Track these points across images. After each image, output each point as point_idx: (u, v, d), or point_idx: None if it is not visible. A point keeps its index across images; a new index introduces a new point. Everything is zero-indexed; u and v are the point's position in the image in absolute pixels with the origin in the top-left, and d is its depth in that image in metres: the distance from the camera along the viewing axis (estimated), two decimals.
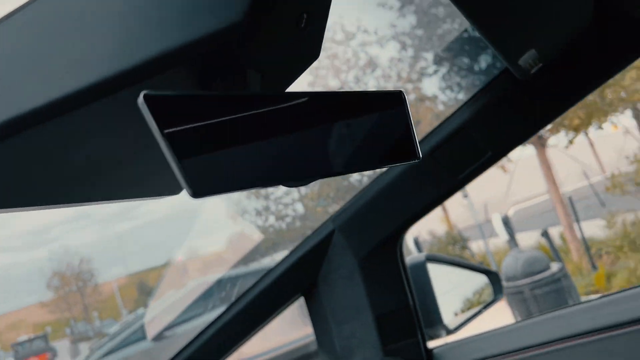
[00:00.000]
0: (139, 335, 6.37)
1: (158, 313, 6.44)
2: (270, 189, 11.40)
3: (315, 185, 12.22)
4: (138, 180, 0.50)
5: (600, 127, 9.79)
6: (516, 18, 0.68)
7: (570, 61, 0.97)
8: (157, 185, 0.53)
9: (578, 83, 0.98)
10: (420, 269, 1.42)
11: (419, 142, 1.13)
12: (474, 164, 1.09)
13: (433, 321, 1.40)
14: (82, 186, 0.46)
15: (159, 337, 6.06)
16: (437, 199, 1.14)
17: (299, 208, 12.34)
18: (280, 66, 0.38)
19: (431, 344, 1.36)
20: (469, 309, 1.71)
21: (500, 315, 6.11)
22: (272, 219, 12.18)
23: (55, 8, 0.31)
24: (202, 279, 7.58)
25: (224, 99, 0.32)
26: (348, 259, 1.22)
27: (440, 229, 11.47)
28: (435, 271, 1.51)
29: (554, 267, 5.42)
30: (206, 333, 1.33)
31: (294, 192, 12.59)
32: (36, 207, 0.45)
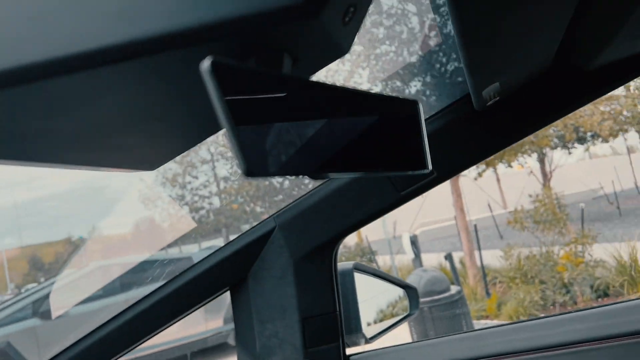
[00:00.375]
0: (27, 312, 5.97)
1: (51, 292, 6.08)
2: (188, 178, 11.11)
3: (235, 182, 12.07)
4: (119, 150, 0.49)
5: (509, 165, 10.48)
6: (497, 50, 0.73)
7: (524, 99, 1.04)
8: (136, 159, 0.52)
9: (526, 122, 1.06)
10: (348, 277, 1.45)
11: None
12: (419, 182, 1.13)
13: (353, 329, 1.44)
14: (67, 148, 0.44)
15: (49, 316, 5.71)
16: (379, 211, 1.17)
17: (215, 202, 12.12)
18: (313, 55, 0.38)
19: (349, 351, 1.39)
20: (381, 320, 1.77)
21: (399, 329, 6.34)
22: (186, 209, 11.86)
23: None
24: (104, 262, 7.25)
25: (284, 80, 0.32)
26: (283, 259, 1.23)
27: (351, 239, 11.71)
28: (359, 280, 1.55)
29: (453, 289, 5.71)
30: (125, 315, 1.28)
31: (212, 185, 12.33)
32: (16, 162, 0.42)
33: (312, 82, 0.35)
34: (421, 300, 5.58)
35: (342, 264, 1.48)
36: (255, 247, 1.25)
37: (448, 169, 1.12)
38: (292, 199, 1.26)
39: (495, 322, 7.06)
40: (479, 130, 1.08)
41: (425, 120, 1.13)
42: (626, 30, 0.79)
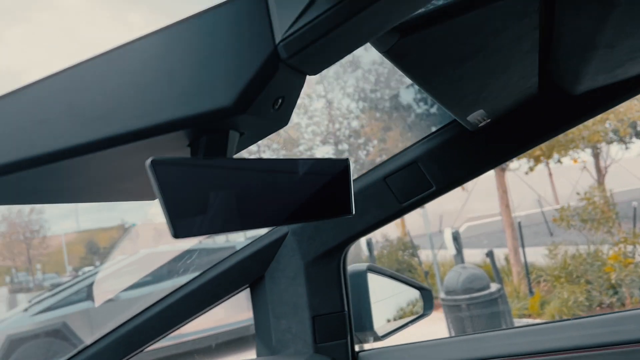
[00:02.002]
0: (82, 295, 6.35)
1: (104, 276, 6.44)
2: None
3: None
4: (129, 189, 0.61)
5: (559, 161, 10.19)
6: (465, 87, 0.80)
7: (515, 121, 1.10)
8: (141, 193, 0.64)
9: (518, 141, 1.12)
10: (361, 277, 1.55)
11: (376, 167, 1.26)
12: (419, 194, 1.22)
13: (364, 326, 1.53)
14: (93, 193, 0.57)
15: (101, 300, 6.06)
16: (382, 221, 1.26)
17: None
18: (255, 129, 0.48)
19: (359, 348, 1.49)
20: (401, 317, 1.86)
21: (438, 326, 6.36)
22: None
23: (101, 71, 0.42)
24: (153, 249, 7.58)
25: (210, 164, 0.43)
26: (295, 261, 1.34)
27: (395, 233, 11.72)
28: (375, 281, 1.64)
29: (493, 287, 5.68)
30: (154, 308, 1.42)
31: None
32: (51, 202, 0.55)
33: (234, 159, 0.45)
34: (459, 297, 5.59)
35: (356, 266, 1.58)
36: (270, 249, 1.37)
37: (446, 183, 1.20)
38: None
39: (537, 321, 6.97)
40: (473, 148, 1.15)
41: (424, 138, 1.21)
42: (597, 63, 0.85)
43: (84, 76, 0.41)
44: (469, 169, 1.18)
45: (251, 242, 1.40)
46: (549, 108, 1.07)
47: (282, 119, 0.48)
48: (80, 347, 1.53)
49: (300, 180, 0.49)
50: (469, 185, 10.66)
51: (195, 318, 1.48)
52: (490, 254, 6.59)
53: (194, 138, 0.45)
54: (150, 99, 0.41)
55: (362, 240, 9.50)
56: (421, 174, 1.20)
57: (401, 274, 1.74)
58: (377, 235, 12.25)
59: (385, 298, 1.72)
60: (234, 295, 1.46)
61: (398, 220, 12.55)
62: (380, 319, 1.64)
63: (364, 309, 1.54)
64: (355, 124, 12.25)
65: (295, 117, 12.34)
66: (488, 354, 1.30)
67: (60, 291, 6.80)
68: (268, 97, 0.43)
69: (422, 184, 1.21)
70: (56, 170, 0.43)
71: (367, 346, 1.55)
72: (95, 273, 7.00)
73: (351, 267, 1.55)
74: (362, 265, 1.58)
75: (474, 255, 10.36)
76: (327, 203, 0.51)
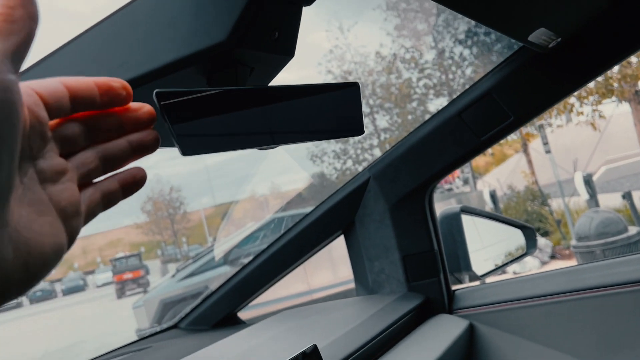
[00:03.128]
0: (220, 260, 6.95)
1: (237, 242, 6.96)
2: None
3: (398, 130, 12.32)
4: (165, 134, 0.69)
5: None
6: (510, 5, 0.78)
7: (590, 38, 1.03)
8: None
9: (596, 59, 1.04)
10: (454, 219, 1.55)
11: (449, 104, 1.25)
12: (497, 127, 1.19)
13: (462, 267, 1.54)
14: None
15: (234, 263, 6.58)
16: (462, 158, 1.25)
17: (377, 153, 12.47)
18: (262, 63, 0.53)
19: (456, 287, 1.50)
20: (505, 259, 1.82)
21: None
22: (349, 163, 12.40)
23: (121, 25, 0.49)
24: (283, 213, 7.99)
25: (209, 92, 0.49)
26: (380, 204, 1.38)
27: (522, 183, 11.14)
28: (480, 223, 1.64)
29: (632, 230, 5.26)
30: (258, 260, 1.55)
31: (373, 138, 12.68)
32: None
33: (232, 88, 0.49)
34: (592, 243, 5.25)
35: (449, 207, 1.58)
36: (356, 195, 1.42)
37: (524, 112, 1.16)
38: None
39: None
40: (547, 71, 1.09)
41: (496, 67, 1.17)
42: None
43: (102, 33, 0.50)
44: (547, 95, 1.13)
45: (338, 190, 1.46)
46: (626, 20, 0.98)
47: (285, 51, 0.53)
48: (198, 301, 1.72)
49: (310, 102, 0.53)
50: (601, 123, 9.74)
51: (297, 266, 1.59)
52: (627, 195, 6.06)
53: (210, 74, 0.51)
54: (158, 44, 0.48)
55: (485, 192, 9.18)
56: (497, 104, 1.17)
57: (501, 215, 1.71)
58: (503, 186, 11.74)
59: (490, 240, 1.70)
60: (330, 241, 1.54)
61: (526, 170, 11.88)
62: (484, 260, 1.64)
63: (459, 249, 1.55)
64: (469, 71, 11.71)
65: (405, 72, 12.09)
66: (586, 285, 1.25)
67: (201, 257, 7.50)
68: (262, 29, 0.48)
69: (499, 115, 1.18)
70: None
71: (464, 285, 1.56)
72: (229, 241, 7.60)
73: (444, 208, 1.56)
74: (456, 207, 1.58)
75: (613, 200, 9.56)
76: (337, 123, 0.55)
